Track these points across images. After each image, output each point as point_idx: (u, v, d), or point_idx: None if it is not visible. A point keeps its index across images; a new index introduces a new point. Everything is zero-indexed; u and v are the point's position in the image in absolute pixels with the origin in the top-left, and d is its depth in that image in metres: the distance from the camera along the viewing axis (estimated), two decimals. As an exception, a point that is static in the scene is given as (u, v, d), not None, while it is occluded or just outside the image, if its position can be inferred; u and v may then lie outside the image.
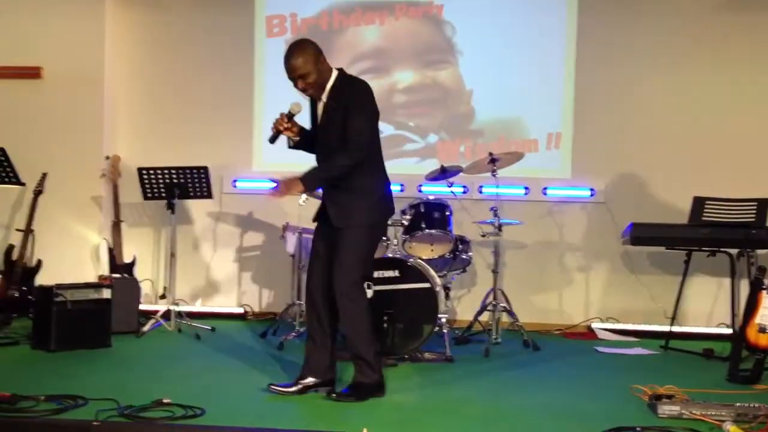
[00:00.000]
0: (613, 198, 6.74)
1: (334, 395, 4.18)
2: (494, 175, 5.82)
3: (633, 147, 6.76)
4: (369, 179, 4.21)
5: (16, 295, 6.10)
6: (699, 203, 5.94)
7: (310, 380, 4.25)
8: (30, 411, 3.73)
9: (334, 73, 4.18)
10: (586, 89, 6.78)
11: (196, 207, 7.00)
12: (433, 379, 4.80)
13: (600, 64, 6.79)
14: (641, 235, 5.77)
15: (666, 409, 3.90)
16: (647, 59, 6.75)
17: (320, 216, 4.31)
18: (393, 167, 6.79)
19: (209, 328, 6.14)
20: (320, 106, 4.20)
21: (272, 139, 4.20)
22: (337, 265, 4.13)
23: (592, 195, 6.76)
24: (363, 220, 4.17)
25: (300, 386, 4.23)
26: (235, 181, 7.04)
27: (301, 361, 4.34)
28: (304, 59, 4.05)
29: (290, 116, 4.16)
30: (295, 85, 4.13)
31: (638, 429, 3.61)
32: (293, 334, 5.77)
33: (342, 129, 4.08)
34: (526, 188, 6.78)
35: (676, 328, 6.00)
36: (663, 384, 4.29)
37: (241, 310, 6.92)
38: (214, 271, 7.10)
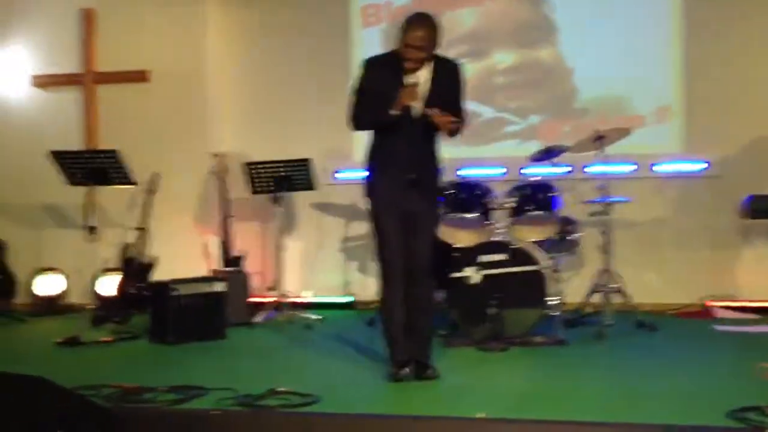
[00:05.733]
0: (729, 171, 6.42)
1: (431, 372, 4.22)
2: (601, 153, 5.65)
3: (750, 116, 6.43)
4: None
5: (134, 291, 6.33)
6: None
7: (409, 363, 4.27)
8: (153, 402, 3.85)
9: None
10: (696, 59, 6.49)
11: (300, 199, 7.09)
12: (546, 363, 4.73)
13: (711, 31, 6.47)
14: (762, 207, 5.53)
15: (796, 388, 3.71)
16: (763, 22, 6.40)
17: (400, 191, 4.23)
18: (494, 150, 6.87)
19: (318, 317, 6.23)
20: (411, 75, 4.19)
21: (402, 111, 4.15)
22: (430, 235, 4.29)
23: (706, 168, 6.48)
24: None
25: (408, 369, 4.23)
26: (336, 172, 7.10)
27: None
28: (433, 33, 4.12)
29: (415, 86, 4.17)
30: (407, 52, 4.13)
31: (766, 408, 3.43)
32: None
33: (447, 101, 4.19)
34: (635, 164, 6.56)
35: (801, 305, 5.72)
36: (791, 362, 4.10)
37: (348, 300, 6.99)
38: (320, 262, 7.18)
